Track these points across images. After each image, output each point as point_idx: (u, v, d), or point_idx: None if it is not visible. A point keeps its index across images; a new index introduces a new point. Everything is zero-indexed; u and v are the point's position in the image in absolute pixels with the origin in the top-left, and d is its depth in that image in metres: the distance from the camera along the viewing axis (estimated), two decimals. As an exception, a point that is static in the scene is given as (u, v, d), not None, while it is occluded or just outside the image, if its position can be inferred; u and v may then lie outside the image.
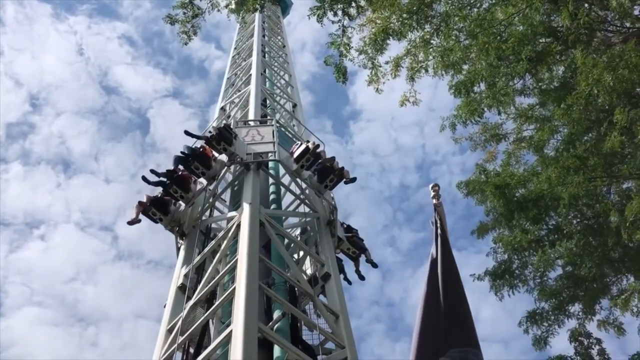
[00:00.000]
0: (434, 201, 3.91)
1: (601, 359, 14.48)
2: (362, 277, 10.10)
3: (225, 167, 10.22)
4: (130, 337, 37.42)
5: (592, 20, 11.82)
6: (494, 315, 38.29)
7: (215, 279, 7.74)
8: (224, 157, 10.13)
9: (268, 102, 14.99)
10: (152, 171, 9.72)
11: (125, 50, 54.25)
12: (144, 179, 9.63)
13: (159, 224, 9.55)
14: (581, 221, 13.88)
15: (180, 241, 9.46)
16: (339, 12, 14.13)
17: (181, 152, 9.90)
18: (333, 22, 14.09)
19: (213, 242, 8.93)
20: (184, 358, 7.21)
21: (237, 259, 7.43)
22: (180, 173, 9.68)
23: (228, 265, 7.66)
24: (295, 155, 10.18)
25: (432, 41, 13.75)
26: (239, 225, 8.24)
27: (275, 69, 18.22)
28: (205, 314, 7.17)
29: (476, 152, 16.63)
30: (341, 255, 9.98)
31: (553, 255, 14.02)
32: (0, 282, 38.61)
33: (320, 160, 10.12)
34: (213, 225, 10.02)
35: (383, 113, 47.53)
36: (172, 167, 9.74)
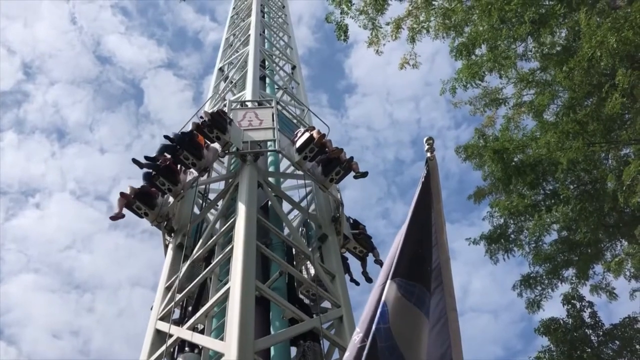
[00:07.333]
0: (428, 154, 3.82)
1: (592, 321, 14.79)
2: (369, 280, 8.90)
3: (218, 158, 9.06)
4: (126, 304, 38.01)
5: (598, -19, 11.60)
6: (485, 286, 39.00)
7: (214, 237, 7.78)
8: (217, 145, 8.79)
9: (267, 63, 14.76)
10: (135, 160, 8.39)
11: (118, 20, 53.08)
12: (135, 161, 8.36)
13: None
14: (578, 186, 13.95)
15: (168, 238, 8.31)
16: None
17: (165, 136, 8.50)
18: None
19: (211, 202, 8.94)
20: (182, 314, 7.32)
21: (235, 219, 7.46)
22: (167, 162, 8.30)
23: (227, 225, 7.70)
24: (298, 145, 8.83)
25: (434, 2, 13.53)
26: (237, 186, 8.25)
27: (275, 29, 17.88)
28: (204, 272, 7.24)
29: (471, 127, 16.65)
30: (347, 254, 8.99)
31: (549, 220, 14.14)
32: (-4, 249, 38.90)
33: (326, 150, 8.77)
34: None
35: (379, 87, 47.08)
36: (155, 155, 8.35)
